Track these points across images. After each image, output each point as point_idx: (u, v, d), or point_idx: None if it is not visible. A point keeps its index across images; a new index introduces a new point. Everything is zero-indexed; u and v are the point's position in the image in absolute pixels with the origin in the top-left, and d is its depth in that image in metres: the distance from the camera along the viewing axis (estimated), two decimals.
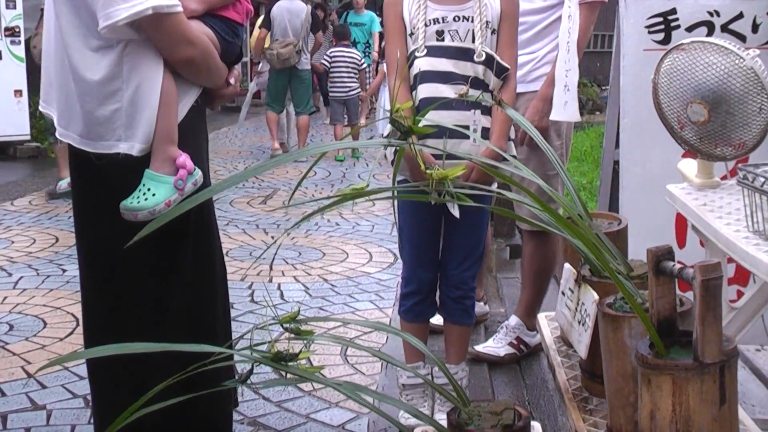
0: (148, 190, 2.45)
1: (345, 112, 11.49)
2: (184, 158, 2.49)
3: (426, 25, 3.24)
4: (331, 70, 11.36)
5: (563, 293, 2.38)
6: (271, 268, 5.89)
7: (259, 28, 11.26)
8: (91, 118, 2.46)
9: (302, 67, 11.07)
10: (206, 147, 2.73)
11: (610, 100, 4.28)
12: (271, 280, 5.62)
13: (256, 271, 5.79)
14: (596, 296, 2.10)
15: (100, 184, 2.51)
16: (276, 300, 5.18)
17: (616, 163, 4.08)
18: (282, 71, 11.00)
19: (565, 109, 3.66)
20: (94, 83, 2.43)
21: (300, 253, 6.33)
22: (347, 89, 11.34)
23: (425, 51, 3.21)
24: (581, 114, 4.19)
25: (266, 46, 10.96)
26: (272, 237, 6.82)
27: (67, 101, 2.50)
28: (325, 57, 11.53)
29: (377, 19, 14.27)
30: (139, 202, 2.43)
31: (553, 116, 3.76)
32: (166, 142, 2.46)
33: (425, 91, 3.16)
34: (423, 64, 3.20)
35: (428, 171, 1.54)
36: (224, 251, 6.26)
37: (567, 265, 2.35)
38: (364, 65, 11.81)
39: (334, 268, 5.97)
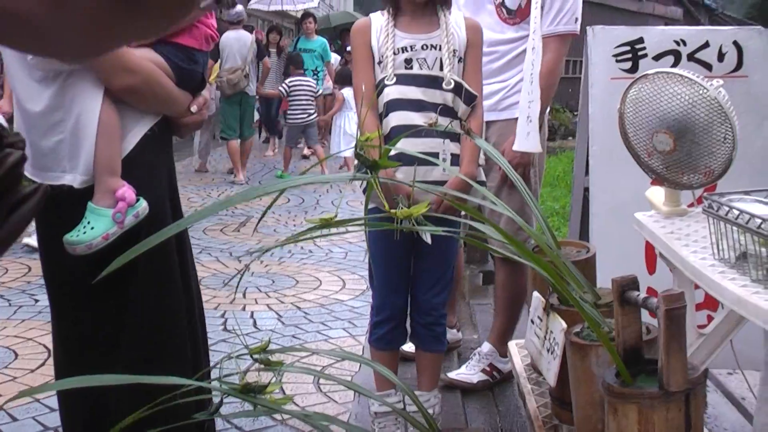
0: (88, 223, 2.43)
1: (302, 136, 12.33)
2: (123, 190, 2.45)
3: (394, 53, 3.25)
4: (291, 97, 12.03)
5: (532, 321, 2.39)
6: (244, 296, 5.88)
7: None
8: (37, 149, 2.45)
9: (251, 93, 11.81)
10: (167, 176, 2.69)
11: (579, 127, 4.31)
12: (243, 309, 5.61)
13: (229, 299, 5.77)
14: (564, 325, 2.11)
15: (55, 215, 2.49)
16: (249, 328, 5.17)
17: (587, 189, 4.10)
18: (233, 97, 11.50)
19: (528, 139, 3.70)
20: (37, 114, 2.42)
21: (273, 281, 6.32)
22: (306, 115, 12.07)
23: (394, 79, 3.23)
24: (554, 139, 4.23)
25: (213, 76, 11.45)
26: (245, 265, 6.80)
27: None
28: (284, 85, 12.14)
29: (328, 47, 14.48)
30: (78, 236, 2.41)
31: (515, 147, 3.80)
32: (105, 173, 2.44)
33: (396, 119, 3.18)
34: (392, 92, 3.22)
35: (392, 210, 1.55)
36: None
37: (535, 294, 2.37)
38: (319, 91, 12.56)
39: (308, 295, 5.96)
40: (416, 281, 3.45)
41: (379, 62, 3.27)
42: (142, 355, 2.56)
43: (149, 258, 2.57)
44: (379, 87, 3.24)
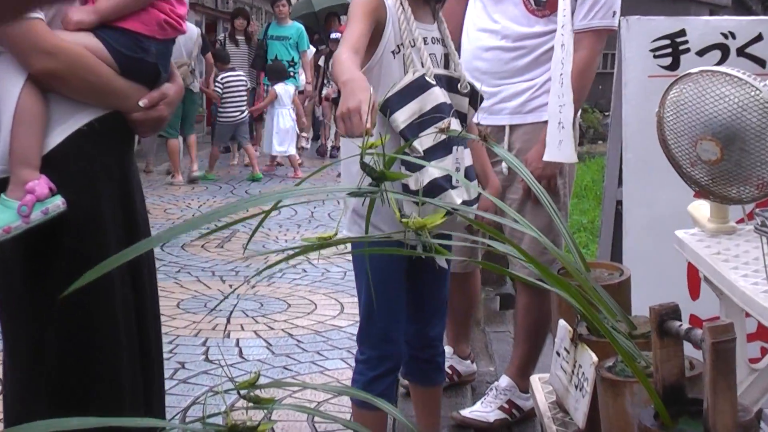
0: None
1: (234, 135, 13.00)
2: (34, 183, 2.43)
3: (411, 45, 3.15)
4: (224, 95, 12.65)
5: (558, 353, 2.39)
6: (228, 322, 5.88)
7: None
8: None
9: (195, 89, 12.29)
10: (114, 179, 2.63)
11: (611, 132, 4.32)
12: (228, 336, 5.61)
13: (211, 324, 5.77)
14: (594, 358, 2.11)
15: None
16: (233, 358, 5.17)
17: (619, 203, 4.11)
18: None
19: (560, 149, 3.69)
20: None
21: (262, 304, 6.32)
22: (239, 113, 12.79)
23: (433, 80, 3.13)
24: (581, 143, 4.24)
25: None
26: (230, 286, 6.81)
27: None
28: (217, 83, 12.65)
29: (305, 34, 14.07)
30: None
31: (546, 157, 3.79)
32: (19, 164, 2.44)
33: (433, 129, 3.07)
34: (434, 96, 3.09)
35: (404, 219, 1.55)
36: (175, 302, 6.25)
37: (561, 322, 2.36)
38: (251, 88, 13.16)
39: (301, 321, 5.96)
40: (413, 311, 3.42)
41: (395, 51, 3.16)
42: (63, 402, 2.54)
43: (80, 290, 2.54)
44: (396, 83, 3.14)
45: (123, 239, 2.59)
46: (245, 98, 12.96)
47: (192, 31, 11.86)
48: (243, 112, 12.87)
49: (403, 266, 3.30)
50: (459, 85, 3.19)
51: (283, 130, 13.03)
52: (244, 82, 12.98)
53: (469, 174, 3.18)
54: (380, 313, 3.31)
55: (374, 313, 3.30)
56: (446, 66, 3.24)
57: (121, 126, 2.63)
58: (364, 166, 1.64)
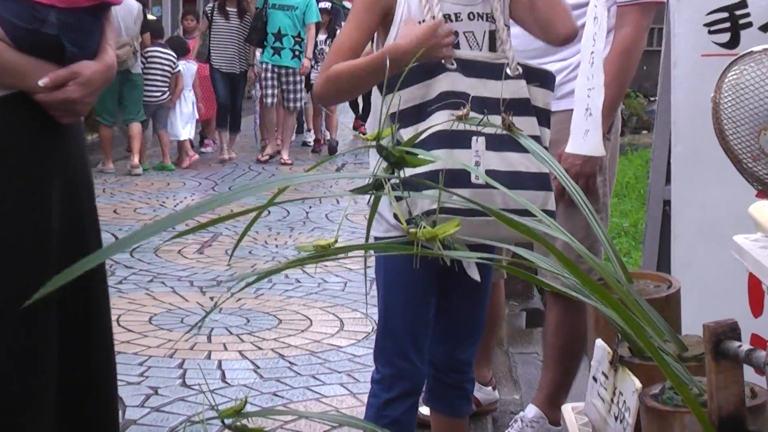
0: None
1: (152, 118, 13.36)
2: None
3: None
4: (146, 71, 12.97)
5: (595, 378, 2.38)
6: (209, 340, 5.88)
7: None
8: None
9: (136, 70, 12.59)
10: (31, 174, 2.61)
11: (658, 120, 4.32)
12: (209, 357, 5.62)
13: (189, 343, 5.78)
14: (638, 384, 2.10)
15: None
16: (215, 383, 5.17)
17: (667, 203, 4.10)
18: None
19: (586, 139, 3.68)
20: None
21: (248, 320, 6.33)
22: (160, 93, 13.09)
23: (454, 64, 3.15)
24: (623, 133, 4.23)
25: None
26: (211, 298, 6.82)
27: None
28: (142, 58, 12.92)
29: (315, 3, 13.98)
30: None
31: (569, 148, 3.79)
32: None
33: (440, 119, 3.05)
34: (445, 82, 3.13)
35: (411, 230, 1.55)
36: (146, 317, 6.28)
37: (599, 342, 2.36)
38: (178, 69, 13.22)
39: (294, 339, 5.97)
40: (443, 331, 3.45)
41: None
42: None
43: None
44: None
45: (50, 247, 2.57)
46: (168, 78, 13.16)
47: (132, 6, 12.21)
48: (165, 93, 13.13)
49: (431, 273, 3.32)
50: (508, 68, 3.20)
51: (185, 114, 13.40)
52: (170, 60, 13.16)
53: (522, 181, 3.17)
54: (397, 325, 3.34)
55: (390, 323, 3.34)
56: (492, 45, 3.24)
57: (32, 111, 2.60)
58: (381, 149, 1.64)
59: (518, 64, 3.21)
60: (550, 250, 1.66)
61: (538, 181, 3.21)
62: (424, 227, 1.62)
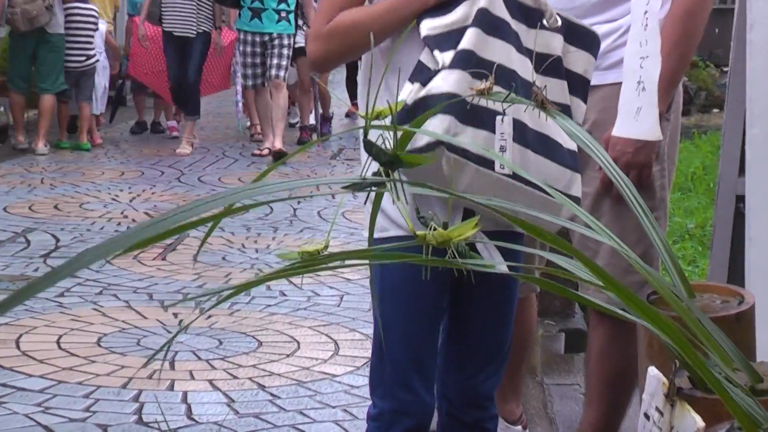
0: None
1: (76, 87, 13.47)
2: None
3: None
4: (67, 32, 13.09)
5: (647, 416, 2.39)
6: (172, 367, 5.89)
7: None
8: None
9: (54, 29, 12.73)
10: None
11: (730, 95, 4.32)
12: (171, 387, 5.62)
13: (147, 371, 5.78)
14: (700, 423, 2.11)
15: None
16: (179, 420, 5.18)
17: (740, 199, 4.11)
18: (27, 35, 12.56)
19: (638, 120, 3.68)
20: None
21: (220, 342, 6.34)
22: (85, 58, 13.33)
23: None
24: (687, 112, 4.23)
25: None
26: (175, 315, 6.83)
27: None
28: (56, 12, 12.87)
29: None
30: None
31: (617, 131, 3.79)
32: None
33: (450, 83, 3.10)
34: (468, 40, 3.14)
35: (418, 233, 1.56)
36: (94, 338, 6.31)
37: (653, 371, 2.37)
38: (104, 28, 13.57)
39: (277, 366, 5.98)
40: (457, 354, 3.46)
41: None
42: None
43: None
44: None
45: None
46: (92, 39, 13.40)
47: None
48: (90, 57, 13.34)
49: (439, 280, 3.33)
50: (545, 19, 3.22)
51: (99, 84, 13.83)
52: (93, 18, 13.35)
53: (552, 150, 3.22)
54: (397, 347, 3.34)
55: (389, 345, 3.32)
56: None
57: None
58: (369, 146, 1.65)
59: (559, 15, 3.23)
60: (588, 265, 1.67)
61: (567, 157, 3.24)
62: (435, 228, 1.63)
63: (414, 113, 2.97)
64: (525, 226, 1.69)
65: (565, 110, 3.20)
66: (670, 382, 2.29)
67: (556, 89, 3.17)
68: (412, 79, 3.12)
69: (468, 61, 3.05)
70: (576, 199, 3.24)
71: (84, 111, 13.42)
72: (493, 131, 3.09)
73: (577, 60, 3.28)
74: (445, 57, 3.09)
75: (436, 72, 3.08)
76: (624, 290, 1.70)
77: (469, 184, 3.04)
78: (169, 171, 12.18)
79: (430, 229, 1.64)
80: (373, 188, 1.71)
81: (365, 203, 3.20)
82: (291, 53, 13.56)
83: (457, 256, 1.66)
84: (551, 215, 1.96)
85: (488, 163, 3.05)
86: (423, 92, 3.05)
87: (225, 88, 15.46)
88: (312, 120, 15.02)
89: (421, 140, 2.99)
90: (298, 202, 10.26)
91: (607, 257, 3.82)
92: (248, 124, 15.10)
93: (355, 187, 1.71)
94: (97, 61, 13.57)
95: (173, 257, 8.30)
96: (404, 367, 3.34)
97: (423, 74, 3.09)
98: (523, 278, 2.11)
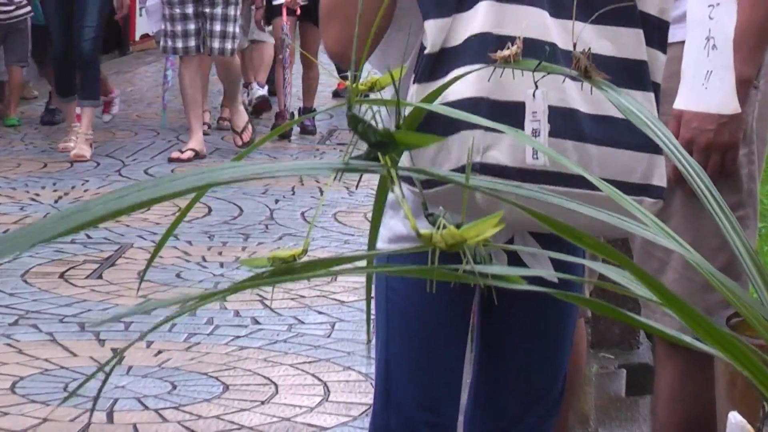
0: None
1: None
2: None
3: None
4: None
5: None
6: (110, 420, 5.89)
7: None
8: None
9: None
10: None
11: None
12: None
13: (78, 424, 5.79)
14: None
15: None
16: None
17: None
18: None
19: (707, 86, 3.68)
20: None
21: (174, 386, 6.35)
22: (13, 7, 13.60)
23: None
24: None
25: None
26: (114, 350, 6.82)
27: None
28: None
29: None
30: None
31: (679, 103, 3.79)
32: None
33: (479, 78, 3.10)
34: (482, 17, 3.18)
35: (423, 232, 1.57)
36: (8, 382, 6.32)
37: (735, 417, 2.38)
38: None
39: (248, 416, 5.99)
40: (489, 399, 3.48)
41: None
42: None
43: None
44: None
45: None
46: None
47: None
48: (22, 7, 13.55)
49: (462, 305, 3.40)
50: None
51: None
52: None
53: (617, 133, 3.20)
54: (407, 392, 3.39)
55: (395, 387, 3.38)
56: None
57: None
58: (354, 122, 1.64)
59: None
60: (649, 285, 1.66)
61: (640, 136, 3.23)
62: (445, 227, 1.62)
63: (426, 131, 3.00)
64: (555, 225, 1.68)
65: (640, 68, 3.22)
66: (756, 430, 2.29)
67: (628, 42, 3.18)
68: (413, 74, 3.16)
69: (484, 48, 3.06)
70: (659, 189, 3.25)
71: (14, 76, 13.61)
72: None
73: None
74: (436, 33, 3.13)
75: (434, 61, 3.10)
76: (691, 311, 1.69)
77: (512, 209, 3.04)
78: (107, 162, 12.11)
79: (439, 228, 1.63)
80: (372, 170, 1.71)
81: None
82: (245, 10, 13.61)
83: (472, 262, 1.66)
84: (609, 213, 1.94)
85: (533, 176, 3.05)
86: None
87: None
88: (258, 90, 15.10)
89: (444, 164, 3.04)
90: (276, 201, 10.26)
91: (681, 269, 3.81)
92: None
93: (339, 170, 1.70)
94: (30, 13, 13.66)
95: (111, 275, 8.29)
96: (415, 417, 3.38)
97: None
98: (564, 296, 2.03)
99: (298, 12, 13.50)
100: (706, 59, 3.68)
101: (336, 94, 16.93)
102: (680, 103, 3.79)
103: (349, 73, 2.03)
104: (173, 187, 1.52)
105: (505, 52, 2.19)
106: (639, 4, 3.24)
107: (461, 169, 3.02)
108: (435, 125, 2.92)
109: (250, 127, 13.28)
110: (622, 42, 3.04)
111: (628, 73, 3.13)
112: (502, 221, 1.66)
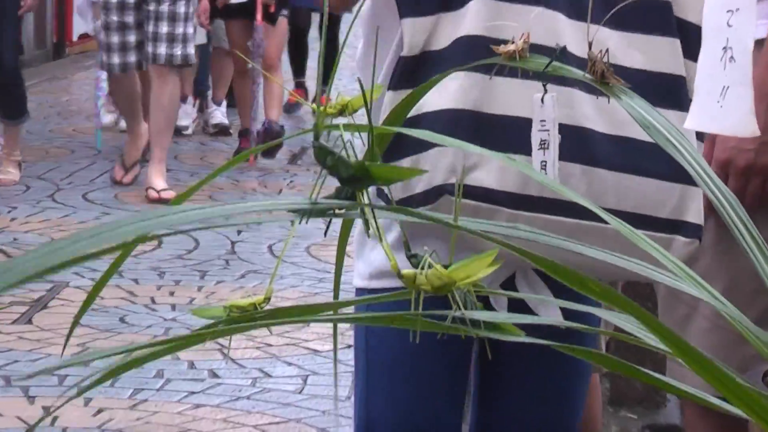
0: None
1: None
2: None
3: None
4: None
5: None
6: None
7: None
8: None
9: None
10: None
11: None
12: None
13: None
14: None
15: None
16: None
17: None
18: None
19: (722, 104, 3.67)
20: None
21: None
22: None
23: None
24: None
25: None
26: (46, 408, 6.83)
27: None
28: None
29: None
30: None
31: (690, 123, 3.79)
32: None
33: (462, 89, 3.17)
34: (473, 18, 3.23)
35: (404, 272, 1.57)
36: None
37: None
38: None
39: None
40: None
41: None
42: None
43: None
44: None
45: None
46: None
47: None
48: None
49: (455, 355, 3.42)
50: None
51: None
52: None
53: (640, 159, 3.26)
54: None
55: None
56: None
57: None
58: (322, 155, 1.64)
59: None
60: (667, 340, 1.62)
61: (673, 163, 3.22)
62: (429, 266, 1.63)
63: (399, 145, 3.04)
64: (554, 268, 1.65)
65: (676, 83, 3.27)
66: None
67: (662, 53, 3.25)
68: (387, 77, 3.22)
69: (473, 53, 3.09)
70: (695, 227, 3.31)
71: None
72: (530, 153, 3.10)
73: (688, 2, 3.28)
74: (415, 33, 3.16)
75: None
76: (713, 367, 1.65)
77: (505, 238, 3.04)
78: (38, 184, 12.15)
79: (422, 267, 1.63)
80: (339, 213, 1.68)
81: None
82: (196, 13, 13.49)
83: (462, 308, 1.66)
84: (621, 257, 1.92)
85: (530, 204, 3.07)
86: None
87: None
88: (216, 111, 15.53)
89: (416, 184, 3.09)
90: (239, 233, 10.27)
91: (713, 317, 3.81)
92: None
93: (304, 212, 1.69)
94: None
95: (43, 319, 8.30)
96: None
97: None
98: (570, 350, 1.97)
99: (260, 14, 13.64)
100: (722, 73, 3.66)
101: (287, 110, 16.96)
102: (691, 124, 3.78)
103: (315, 90, 2.03)
104: (115, 237, 1.50)
105: (510, 47, 2.15)
106: (675, 9, 3.25)
107: (435, 191, 3.08)
108: (407, 139, 2.98)
109: (138, 168, 13.04)
110: (655, 53, 3.07)
111: (661, 89, 3.17)
112: (497, 260, 1.63)
